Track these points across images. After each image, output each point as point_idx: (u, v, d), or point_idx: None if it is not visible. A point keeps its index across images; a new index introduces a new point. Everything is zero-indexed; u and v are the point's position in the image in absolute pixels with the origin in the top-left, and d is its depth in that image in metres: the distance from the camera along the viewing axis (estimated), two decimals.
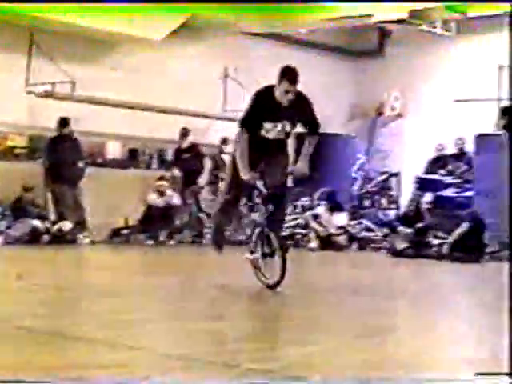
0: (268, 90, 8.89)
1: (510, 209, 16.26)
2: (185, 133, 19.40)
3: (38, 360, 4.89)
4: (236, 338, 6.07)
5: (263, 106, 8.87)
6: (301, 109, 8.97)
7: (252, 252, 9.22)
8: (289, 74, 8.73)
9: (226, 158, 20.21)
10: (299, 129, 9.29)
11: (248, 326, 6.81)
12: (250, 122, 8.91)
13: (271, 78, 21.26)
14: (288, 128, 9.00)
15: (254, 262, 9.21)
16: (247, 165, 8.78)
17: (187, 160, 19.13)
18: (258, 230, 9.17)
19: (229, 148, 20.23)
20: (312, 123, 9.12)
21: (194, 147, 19.48)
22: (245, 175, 8.75)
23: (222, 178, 19.78)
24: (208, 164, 19.57)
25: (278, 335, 6.57)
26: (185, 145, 19.36)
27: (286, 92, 8.69)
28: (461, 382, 4.11)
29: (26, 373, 4.45)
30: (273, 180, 9.00)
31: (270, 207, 8.92)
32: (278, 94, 8.77)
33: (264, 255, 9.05)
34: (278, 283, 8.75)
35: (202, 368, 4.84)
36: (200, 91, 20.94)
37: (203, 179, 19.52)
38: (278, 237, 8.98)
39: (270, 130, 8.92)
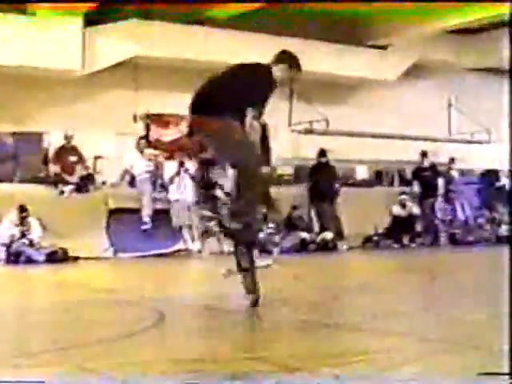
0: None
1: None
2: (425, 154, 19.14)
3: (317, 349, 4.88)
4: (482, 324, 5.81)
5: None
6: None
7: None
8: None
9: (455, 173, 19.89)
10: None
11: (493, 313, 6.48)
12: None
13: (488, 103, 20.71)
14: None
15: None
16: None
17: (427, 176, 18.84)
18: None
19: (456, 166, 19.98)
20: None
21: (433, 166, 19.17)
22: None
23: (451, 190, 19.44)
24: (441, 179, 19.21)
25: None
26: (425, 164, 19.06)
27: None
28: (461, 382, 3.68)
29: (307, 361, 4.42)
30: None
31: None
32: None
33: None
34: None
35: (456, 351, 4.68)
36: (429, 120, 20.71)
37: (440, 191, 19.16)
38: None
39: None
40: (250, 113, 6.28)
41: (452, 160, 19.93)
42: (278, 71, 6.55)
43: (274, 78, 6.52)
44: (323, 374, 3.94)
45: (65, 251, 14.17)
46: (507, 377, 3.61)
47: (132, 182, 16.18)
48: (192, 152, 17.11)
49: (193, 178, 16.22)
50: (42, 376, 4.01)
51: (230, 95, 6.42)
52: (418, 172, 19.09)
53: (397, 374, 3.96)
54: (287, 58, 6.67)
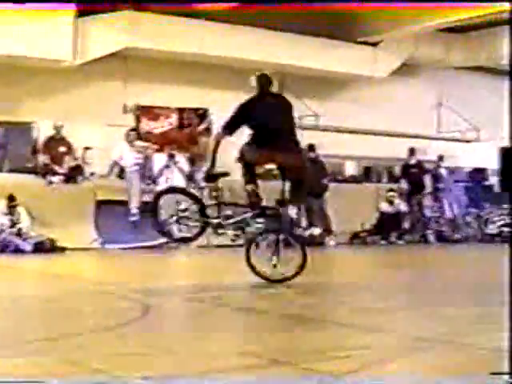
0: None
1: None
2: (412, 151, 19.19)
3: (305, 343, 4.89)
4: (469, 321, 5.83)
5: None
6: None
7: None
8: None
9: (443, 171, 19.92)
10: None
11: (477, 310, 6.49)
12: None
13: (478, 102, 20.83)
14: None
15: None
16: None
17: (414, 174, 18.91)
18: None
19: (444, 163, 20.03)
20: None
21: (419, 163, 19.23)
22: None
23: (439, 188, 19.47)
24: (428, 177, 19.31)
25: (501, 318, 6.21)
26: (412, 161, 19.11)
27: None
28: (461, 382, 3.69)
29: (295, 355, 4.45)
30: None
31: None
32: None
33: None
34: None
35: (439, 349, 4.69)
36: (418, 117, 20.76)
37: (428, 189, 19.26)
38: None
39: None
40: None
41: (441, 158, 19.98)
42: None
43: None
44: (309, 369, 3.95)
45: (52, 241, 14.15)
46: (507, 376, 3.58)
47: (121, 174, 16.17)
48: (182, 145, 17.16)
49: (182, 170, 16.21)
50: (27, 367, 4.00)
51: None
52: (406, 169, 19.16)
53: (379, 370, 3.98)
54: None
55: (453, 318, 5.98)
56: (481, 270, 11.34)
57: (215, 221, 8.25)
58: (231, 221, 8.34)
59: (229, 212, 8.35)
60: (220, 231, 8.34)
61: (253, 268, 8.16)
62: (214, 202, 8.45)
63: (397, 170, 19.95)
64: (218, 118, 17.26)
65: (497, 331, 5.22)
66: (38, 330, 5.32)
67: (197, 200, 8.46)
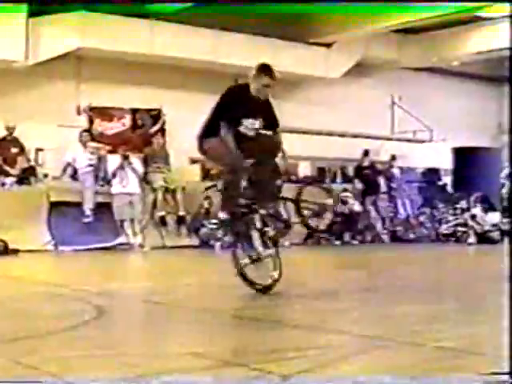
0: (242, 87, 7.39)
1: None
2: (366, 153, 19.33)
3: (258, 344, 4.90)
4: (426, 320, 5.88)
5: (239, 101, 7.28)
6: (268, 107, 7.50)
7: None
8: (268, 70, 7.31)
9: (396, 171, 20.07)
10: None
11: (435, 310, 6.54)
12: (229, 117, 7.27)
13: (430, 103, 20.96)
14: (261, 125, 7.41)
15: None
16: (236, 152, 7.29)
17: (367, 175, 19.03)
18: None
19: (397, 163, 20.18)
20: (275, 122, 7.59)
21: (372, 165, 19.36)
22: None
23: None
24: (381, 178, 19.44)
25: (455, 317, 6.27)
26: (366, 163, 19.24)
27: (266, 86, 7.28)
28: (460, 382, 3.74)
29: (248, 356, 4.46)
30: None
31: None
32: (253, 89, 7.31)
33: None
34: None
35: (393, 347, 4.74)
36: (371, 118, 20.89)
37: (381, 189, 19.38)
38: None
39: (249, 128, 7.36)
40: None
41: (393, 158, 20.15)
42: (253, 82, 7.33)
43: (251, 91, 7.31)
44: (261, 370, 3.96)
45: (5, 243, 14.00)
46: (507, 376, 3.58)
47: (74, 175, 16.06)
48: (135, 146, 17.08)
49: (136, 171, 16.13)
50: None
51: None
52: (359, 170, 19.26)
53: (333, 370, 4.00)
54: (261, 70, 7.34)
55: (409, 317, 6.03)
56: (437, 269, 11.45)
57: None
58: None
59: None
60: None
61: None
62: None
63: (350, 171, 20.05)
64: (171, 119, 17.36)
65: (453, 330, 5.30)
66: None
67: None
